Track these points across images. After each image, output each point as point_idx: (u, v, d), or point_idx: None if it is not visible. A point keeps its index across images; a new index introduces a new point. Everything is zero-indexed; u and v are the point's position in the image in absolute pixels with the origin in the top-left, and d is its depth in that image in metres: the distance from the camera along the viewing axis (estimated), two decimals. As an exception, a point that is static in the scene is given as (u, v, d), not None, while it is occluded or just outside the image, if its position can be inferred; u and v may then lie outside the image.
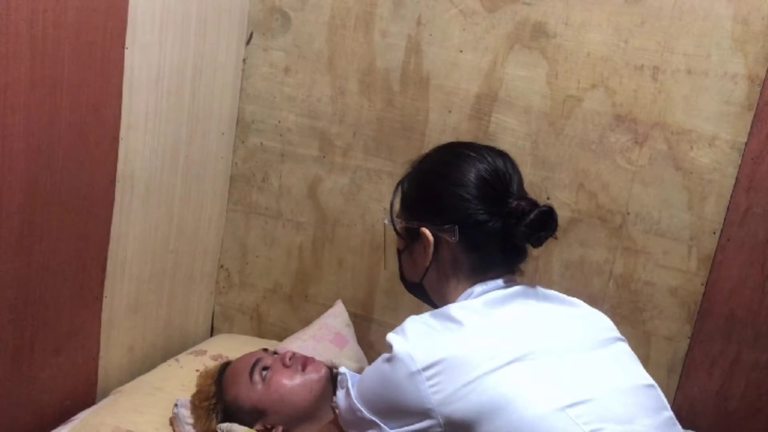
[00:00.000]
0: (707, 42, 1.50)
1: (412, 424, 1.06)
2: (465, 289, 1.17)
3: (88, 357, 1.56)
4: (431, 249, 1.19)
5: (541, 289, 1.19)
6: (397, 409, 1.08)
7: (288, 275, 1.91)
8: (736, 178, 1.52)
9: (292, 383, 1.41)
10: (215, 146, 1.80)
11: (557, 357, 1.08)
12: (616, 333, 1.19)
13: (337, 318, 1.81)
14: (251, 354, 1.51)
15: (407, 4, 1.67)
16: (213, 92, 1.74)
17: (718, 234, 1.56)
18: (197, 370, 1.61)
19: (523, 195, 1.18)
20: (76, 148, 1.38)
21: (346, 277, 1.86)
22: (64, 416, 1.50)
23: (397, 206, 1.27)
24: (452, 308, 1.12)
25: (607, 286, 1.65)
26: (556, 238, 1.18)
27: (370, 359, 1.71)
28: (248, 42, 1.82)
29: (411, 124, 1.72)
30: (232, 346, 1.78)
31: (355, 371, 1.24)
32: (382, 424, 1.09)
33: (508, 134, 1.65)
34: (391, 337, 1.11)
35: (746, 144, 1.51)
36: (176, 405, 1.49)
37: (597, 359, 1.12)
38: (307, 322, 1.85)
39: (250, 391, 1.41)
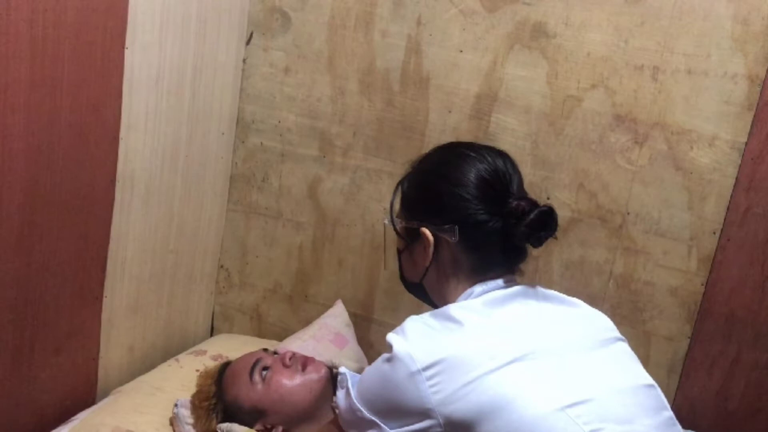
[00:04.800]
0: (707, 42, 1.50)
1: (412, 424, 1.06)
2: (465, 289, 1.17)
3: (88, 357, 1.56)
4: (431, 249, 1.19)
5: (541, 289, 1.19)
6: (397, 409, 1.08)
7: (288, 275, 1.91)
8: (736, 178, 1.52)
9: (292, 383, 1.41)
10: (215, 146, 1.80)
11: (557, 357, 1.08)
12: (616, 333, 1.20)
13: (337, 318, 1.81)
14: (251, 354, 1.51)
15: (407, 4, 1.67)
16: (213, 92, 1.74)
17: (718, 234, 1.56)
18: (197, 370, 1.61)
19: (523, 195, 1.18)
20: (76, 148, 1.38)
21: (346, 277, 1.86)
22: (64, 416, 1.50)
23: (397, 206, 1.27)
24: (452, 308, 1.12)
25: (607, 286, 1.65)
26: (556, 238, 1.18)
27: (370, 359, 1.71)
28: (248, 42, 1.82)
29: (411, 124, 1.72)
30: (232, 346, 1.78)
31: (355, 371, 1.24)
32: (382, 424, 1.10)
33: (508, 134, 1.65)
34: (391, 337, 1.11)
35: (746, 144, 1.51)
36: (176, 405, 1.49)
37: (597, 359, 1.12)
38: (307, 322, 1.85)
39: (250, 391, 1.41)
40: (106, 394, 1.60)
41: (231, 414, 1.42)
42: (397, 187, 1.27)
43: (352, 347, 1.78)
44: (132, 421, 1.44)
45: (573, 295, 1.22)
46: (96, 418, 1.45)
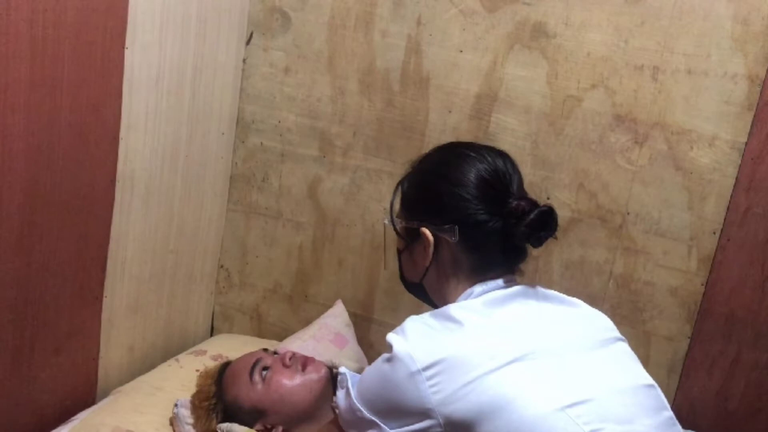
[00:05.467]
0: (707, 42, 1.50)
1: (412, 424, 1.06)
2: (465, 289, 1.17)
3: (88, 357, 1.56)
4: (431, 249, 1.19)
5: (541, 289, 1.19)
6: (397, 409, 1.08)
7: (288, 275, 1.91)
8: (736, 178, 1.52)
9: (292, 383, 1.41)
10: (215, 146, 1.80)
11: (557, 357, 1.08)
12: (616, 333, 1.20)
13: (337, 318, 1.81)
14: (251, 354, 1.51)
15: (407, 4, 1.67)
16: (213, 92, 1.74)
17: (718, 234, 1.56)
18: (197, 370, 1.61)
19: (523, 195, 1.18)
20: (76, 148, 1.38)
21: (346, 277, 1.86)
22: (64, 416, 1.50)
23: (397, 206, 1.27)
24: (452, 308, 1.12)
25: (607, 286, 1.65)
26: (556, 238, 1.18)
27: (370, 359, 1.71)
28: (248, 42, 1.82)
29: (411, 124, 1.72)
30: (232, 346, 1.78)
31: (355, 371, 1.24)
32: (382, 424, 1.10)
33: (508, 134, 1.65)
34: (391, 337, 1.11)
35: (746, 144, 1.51)
36: (176, 405, 1.49)
37: (597, 359, 1.12)
38: (307, 322, 1.85)
39: (250, 391, 1.41)
40: (106, 394, 1.60)
41: (231, 414, 1.42)
42: (397, 187, 1.27)
43: (352, 347, 1.78)
44: (132, 421, 1.44)
45: (573, 295, 1.22)
46: (96, 418, 1.45)
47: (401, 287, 1.33)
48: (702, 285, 1.59)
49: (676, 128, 1.55)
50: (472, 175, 1.16)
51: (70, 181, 1.39)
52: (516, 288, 1.16)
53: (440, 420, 1.04)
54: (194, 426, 1.44)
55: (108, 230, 1.52)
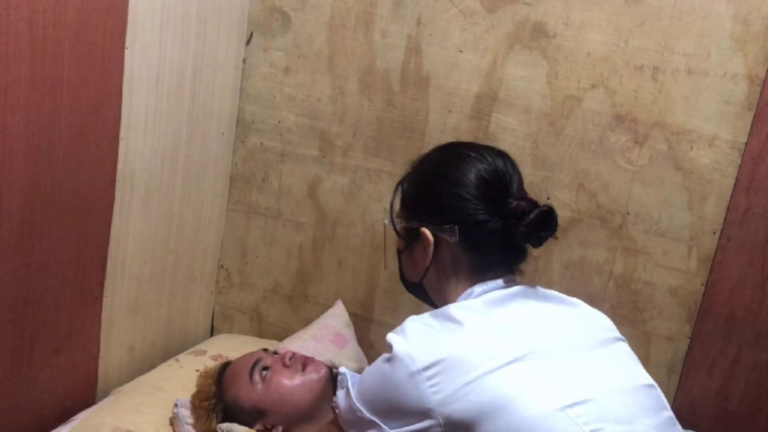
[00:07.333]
0: (707, 42, 1.50)
1: (412, 424, 1.06)
2: (465, 289, 1.17)
3: (88, 357, 1.56)
4: (431, 249, 1.19)
5: (541, 289, 1.19)
6: (397, 409, 1.08)
7: (288, 275, 1.91)
8: (736, 178, 1.52)
9: (292, 383, 1.41)
10: (215, 146, 1.80)
11: (557, 357, 1.08)
12: (616, 333, 1.20)
13: (337, 318, 1.81)
14: (251, 354, 1.51)
15: (407, 4, 1.67)
16: (213, 92, 1.74)
17: (718, 234, 1.56)
18: (197, 370, 1.61)
19: (523, 195, 1.18)
20: (76, 148, 1.38)
21: (346, 277, 1.86)
22: (64, 416, 1.50)
23: (397, 206, 1.27)
24: (452, 308, 1.12)
25: (607, 286, 1.65)
26: (556, 238, 1.18)
27: (370, 359, 1.71)
28: (248, 42, 1.82)
29: (411, 124, 1.72)
30: (232, 346, 1.78)
31: (355, 371, 1.24)
32: (382, 424, 1.10)
33: (508, 134, 1.65)
34: (391, 337, 1.11)
35: (746, 144, 1.51)
36: (176, 405, 1.49)
37: (597, 359, 1.12)
38: (307, 322, 1.85)
39: (250, 391, 1.41)
40: (106, 394, 1.60)
41: (231, 414, 1.42)
42: (397, 187, 1.27)
43: (352, 347, 1.78)
44: (132, 421, 1.44)
45: (573, 295, 1.22)
46: (96, 418, 1.45)
47: (401, 287, 1.33)
48: (702, 285, 1.59)
49: (676, 128, 1.55)
50: (472, 175, 1.16)
51: (70, 181, 1.39)
52: (516, 288, 1.16)
53: (440, 420, 1.04)
54: (194, 426, 1.44)
55: (108, 230, 1.52)
